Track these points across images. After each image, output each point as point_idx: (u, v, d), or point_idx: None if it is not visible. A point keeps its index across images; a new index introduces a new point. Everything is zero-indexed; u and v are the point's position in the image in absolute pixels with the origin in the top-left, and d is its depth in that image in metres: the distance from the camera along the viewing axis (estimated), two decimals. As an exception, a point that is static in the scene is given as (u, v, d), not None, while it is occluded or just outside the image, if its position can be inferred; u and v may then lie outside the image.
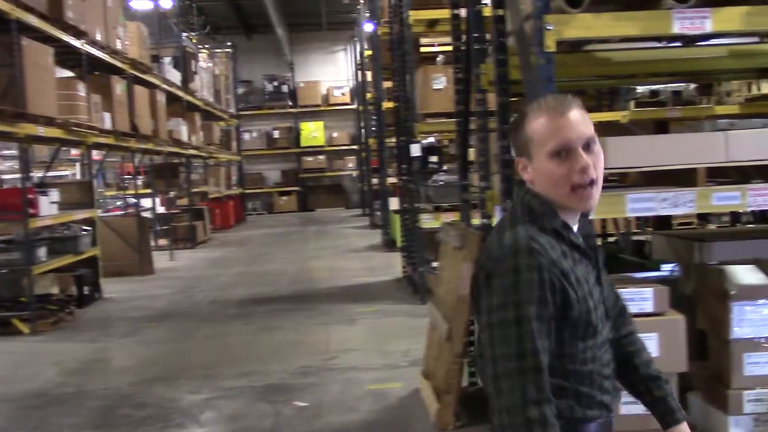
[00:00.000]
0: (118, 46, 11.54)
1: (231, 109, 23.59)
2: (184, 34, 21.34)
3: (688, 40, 4.15)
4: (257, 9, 21.78)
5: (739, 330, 3.60)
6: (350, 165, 26.85)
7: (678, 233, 5.22)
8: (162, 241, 16.00)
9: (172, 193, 17.93)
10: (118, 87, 11.56)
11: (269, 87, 27.14)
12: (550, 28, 3.35)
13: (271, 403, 5.63)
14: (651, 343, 3.45)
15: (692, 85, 9.03)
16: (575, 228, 1.85)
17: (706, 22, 3.40)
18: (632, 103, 9.10)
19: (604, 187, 1.87)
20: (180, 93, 16.31)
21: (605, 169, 1.83)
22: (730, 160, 3.51)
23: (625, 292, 3.47)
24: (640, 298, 3.50)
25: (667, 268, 4.68)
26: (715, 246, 4.58)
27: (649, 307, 3.52)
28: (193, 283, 11.75)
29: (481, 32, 4.83)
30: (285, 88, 27.25)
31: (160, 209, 17.34)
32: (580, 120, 1.77)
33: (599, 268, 1.90)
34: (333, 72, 27.57)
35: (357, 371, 6.34)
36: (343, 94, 26.92)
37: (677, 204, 3.44)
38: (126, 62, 11.98)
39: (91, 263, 10.33)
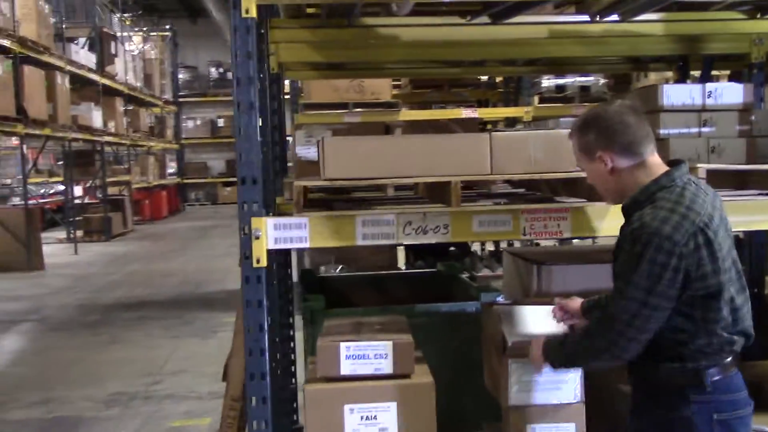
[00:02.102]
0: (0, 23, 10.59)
1: (167, 95, 22.50)
2: (116, 15, 20.32)
3: (495, 16, 3.26)
4: (198, -9, 20.71)
5: (516, 395, 2.71)
6: (297, 156, 25.84)
7: (522, 252, 4.31)
8: (78, 233, 14.95)
9: (91, 182, 16.89)
10: (-1, 67, 10.58)
11: (214, 73, 26.03)
12: (249, -15, 2.46)
13: (43, 443, 4.73)
14: (388, 416, 2.56)
15: (602, 80, 8.19)
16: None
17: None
18: (536, 99, 8.24)
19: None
20: (94, 76, 15.25)
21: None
22: (496, 171, 2.57)
23: (357, 347, 2.58)
24: (375, 355, 2.56)
25: (488, 298, 3.82)
26: (556, 270, 3.71)
27: (387, 367, 2.57)
28: (76, 282, 10.77)
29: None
30: (231, 75, 26.09)
31: (78, 200, 16.34)
32: None
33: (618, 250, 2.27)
34: (283, 59, 26.51)
35: (173, 401, 5.45)
36: (291, 82, 25.86)
37: (426, 230, 2.55)
38: (12, 40, 11.00)
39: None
